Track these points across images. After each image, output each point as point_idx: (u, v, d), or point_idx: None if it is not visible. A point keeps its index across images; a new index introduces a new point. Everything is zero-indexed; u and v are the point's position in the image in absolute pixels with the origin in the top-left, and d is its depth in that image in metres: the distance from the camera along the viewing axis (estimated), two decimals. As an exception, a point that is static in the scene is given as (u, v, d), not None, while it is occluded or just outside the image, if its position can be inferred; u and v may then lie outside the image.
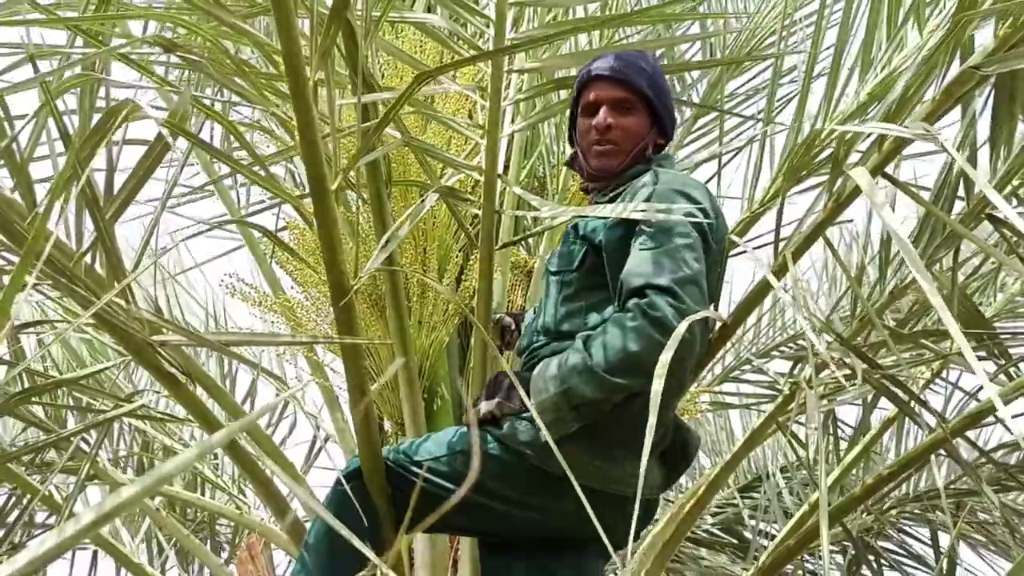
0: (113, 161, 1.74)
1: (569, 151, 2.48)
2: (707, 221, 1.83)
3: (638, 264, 1.75)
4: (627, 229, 1.84)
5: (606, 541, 1.29)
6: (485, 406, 1.88)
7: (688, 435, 2.05)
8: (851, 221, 2.56)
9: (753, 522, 3.97)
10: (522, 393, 1.59)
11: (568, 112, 2.14)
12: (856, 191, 1.85)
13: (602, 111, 1.99)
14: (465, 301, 2.89)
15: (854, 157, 2.00)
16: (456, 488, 1.87)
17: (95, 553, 3.64)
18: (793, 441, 2.88)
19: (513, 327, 2.52)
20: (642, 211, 1.78)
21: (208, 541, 4.00)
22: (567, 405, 1.75)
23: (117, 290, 1.40)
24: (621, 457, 1.85)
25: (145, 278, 2.80)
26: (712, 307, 1.96)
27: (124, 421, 3.73)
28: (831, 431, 3.54)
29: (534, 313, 2.22)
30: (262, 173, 1.66)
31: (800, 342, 4.22)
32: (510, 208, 2.70)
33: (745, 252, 2.09)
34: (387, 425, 3.01)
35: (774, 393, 4.22)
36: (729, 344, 4.25)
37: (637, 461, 1.88)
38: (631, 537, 2.03)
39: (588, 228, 1.95)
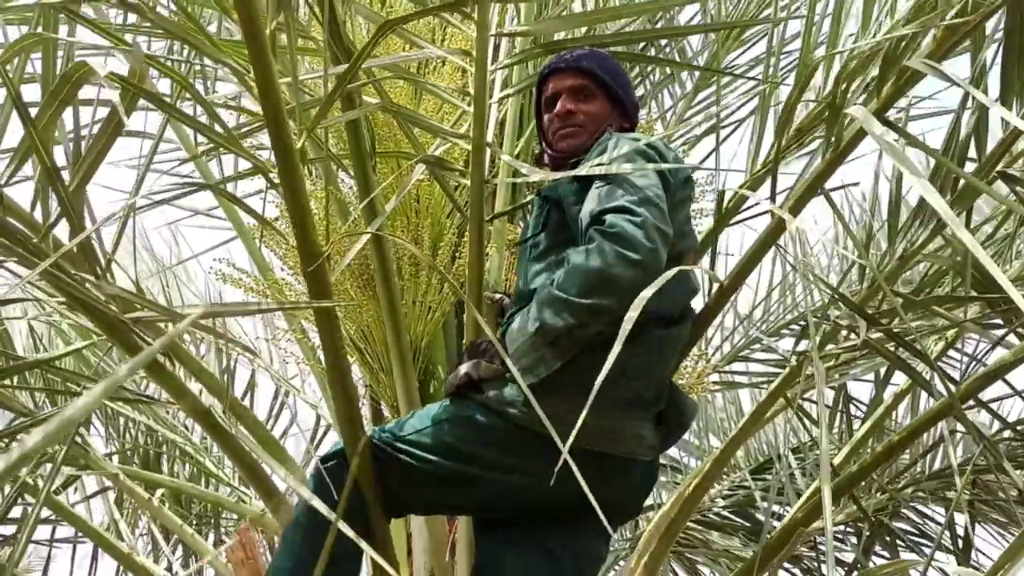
0: (79, 128, 1.66)
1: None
2: (654, 148, 1.85)
3: (592, 200, 1.78)
4: (584, 184, 1.86)
5: (597, 508, 1.22)
6: (464, 368, 1.83)
7: (683, 399, 2.00)
8: (857, 184, 2.44)
9: (765, 504, 3.87)
10: (500, 349, 1.52)
11: (533, 117, 2.21)
12: (858, 138, 1.76)
13: (561, 100, 2.06)
14: (459, 279, 2.80)
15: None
16: (444, 460, 1.80)
17: (95, 549, 3.58)
18: (801, 416, 2.79)
19: (501, 302, 2.45)
20: (618, 165, 1.80)
21: (211, 536, 3.94)
22: (543, 342, 1.72)
23: (65, 250, 1.32)
24: (610, 410, 1.78)
25: (125, 260, 2.73)
26: (693, 255, 1.92)
27: (129, 415, 3.67)
28: (842, 407, 3.44)
29: None
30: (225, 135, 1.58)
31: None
32: (498, 180, 2.61)
33: (750, 208, 2.00)
34: (384, 408, 2.94)
35: (781, 372, 4.14)
36: (737, 322, 4.15)
37: (628, 416, 1.82)
38: (634, 507, 1.96)
39: (553, 191, 1.99)
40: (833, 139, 1.82)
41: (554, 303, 1.70)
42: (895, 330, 2.54)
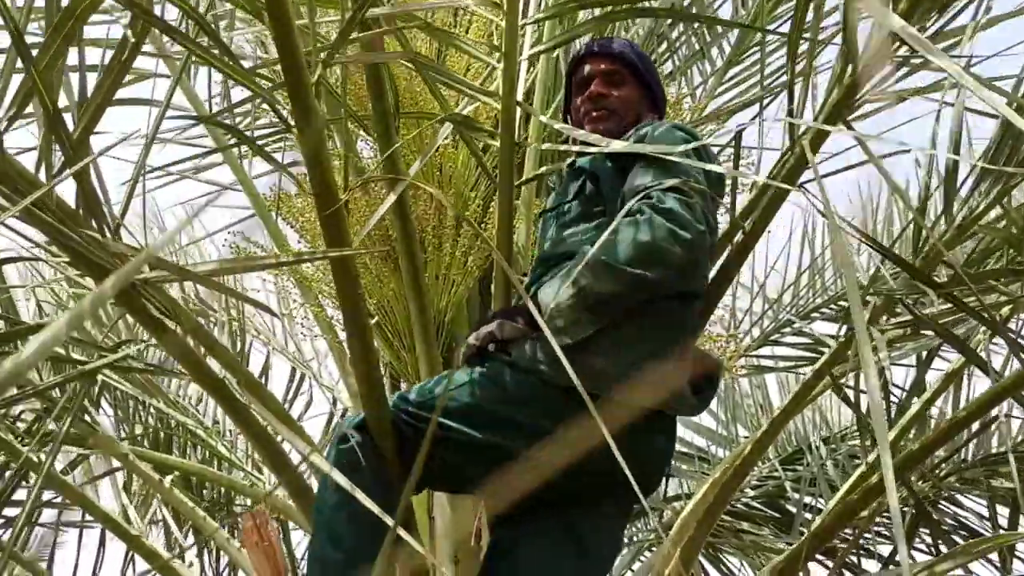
0: (84, 71, 1.54)
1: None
2: (699, 144, 1.81)
3: (642, 175, 1.78)
4: (624, 162, 1.85)
5: (626, 471, 1.17)
6: (487, 327, 1.77)
7: (709, 358, 1.93)
8: (907, 151, 2.29)
9: (796, 495, 3.73)
10: (533, 308, 1.43)
11: (563, 96, 2.17)
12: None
13: (594, 84, 2.05)
14: (485, 251, 2.68)
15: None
16: (471, 428, 1.68)
17: (103, 532, 3.47)
18: (843, 400, 2.65)
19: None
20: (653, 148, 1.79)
21: (225, 522, 3.82)
22: (581, 305, 1.68)
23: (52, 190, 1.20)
24: (642, 362, 1.70)
25: (135, 225, 2.62)
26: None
27: (139, 397, 3.56)
28: (882, 392, 3.29)
29: None
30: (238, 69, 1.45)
31: (842, 303, 3.97)
32: (533, 143, 2.47)
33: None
34: (404, 387, 2.82)
35: (814, 356, 3.99)
36: (767, 306, 4.01)
37: (660, 369, 1.71)
38: (657, 477, 1.87)
39: (585, 162, 1.97)
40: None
41: (598, 268, 1.67)
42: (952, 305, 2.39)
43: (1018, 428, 3.46)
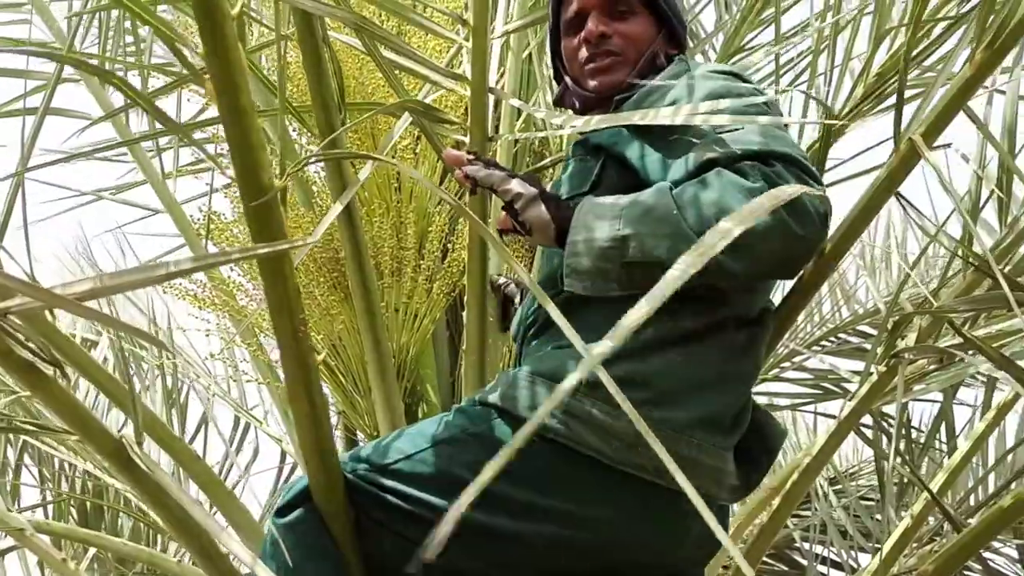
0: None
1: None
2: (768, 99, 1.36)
3: (741, 134, 1.26)
4: (649, 132, 1.35)
5: None
6: (509, 180, 1.34)
7: (765, 416, 1.47)
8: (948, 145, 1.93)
9: (807, 544, 3.34)
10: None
11: (548, 42, 1.66)
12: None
13: (590, 19, 1.54)
14: (454, 278, 2.28)
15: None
16: (444, 499, 1.25)
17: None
18: (872, 435, 2.27)
19: (518, 297, 1.93)
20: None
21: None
22: (618, 255, 1.23)
23: None
24: (683, 430, 1.26)
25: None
26: None
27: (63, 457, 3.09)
28: (903, 430, 2.92)
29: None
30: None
31: (843, 335, 3.63)
32: (508, 136, 2.09)
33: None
34: (361, 440, 2.40)
35: (816, 393, 3.63)
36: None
37: (705, 441, 1.31)
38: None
39: (603, 138, 1.45)
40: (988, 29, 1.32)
41: (666, 222, 1.21)
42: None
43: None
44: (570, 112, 1.62)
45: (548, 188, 1.40)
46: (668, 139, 1.32)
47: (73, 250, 3.56)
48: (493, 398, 1.30)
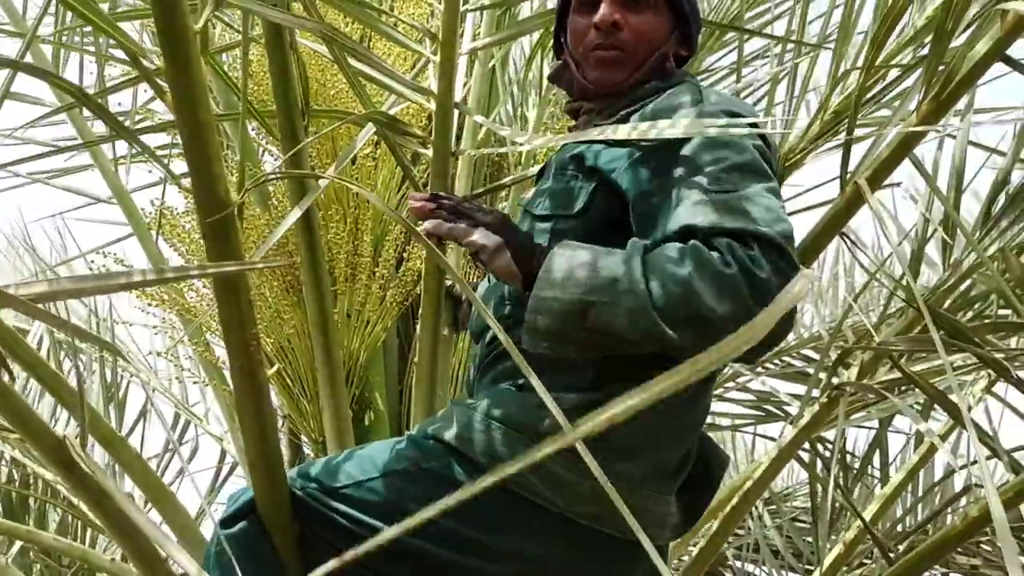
0: None
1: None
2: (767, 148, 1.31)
3: (736, 201, 1.20)
4: (665, 166, 1.27)
5: None
6: (472, 230, 1.30)
7: (709, 446, 1.48)
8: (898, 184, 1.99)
9: (739, 563, 3.40)
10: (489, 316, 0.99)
11: (556, 9, 1.56)
12: (977, 72, 1.30)
13: (605, 4, 1.43)
14: (408, 287, 2.28)
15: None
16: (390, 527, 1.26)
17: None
18: (809, 459, 2.32)
19: (464, 300, 1.93)
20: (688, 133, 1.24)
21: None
22: (578, 321, 1.19)
23: None
24: (642, 479, 1.28)
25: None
26: None
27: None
28: (839, 455, 2.99)
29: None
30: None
31: (787, 358, 3.69)
32: (471, 151, 2.09)
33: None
34: (306, 445, 2.38)
35: (757, 415, 3.69)
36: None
37: (652, 488, 1.33)
38: None
39: (601, 160, 1.36)
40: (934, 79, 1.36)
41: (628, 296, 1.17)
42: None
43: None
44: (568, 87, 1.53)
45: (519, 210, 1.39)
46: (665, 179, 1.26)
47: (10, 235, 3.46)
48: (448, 436, 1.30)
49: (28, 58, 2.62)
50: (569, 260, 1.22)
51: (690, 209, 1.20)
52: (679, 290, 1.14)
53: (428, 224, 1.33)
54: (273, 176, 1.35)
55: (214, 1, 1.04)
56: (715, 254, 1.15)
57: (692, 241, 1.18)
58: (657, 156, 1.28)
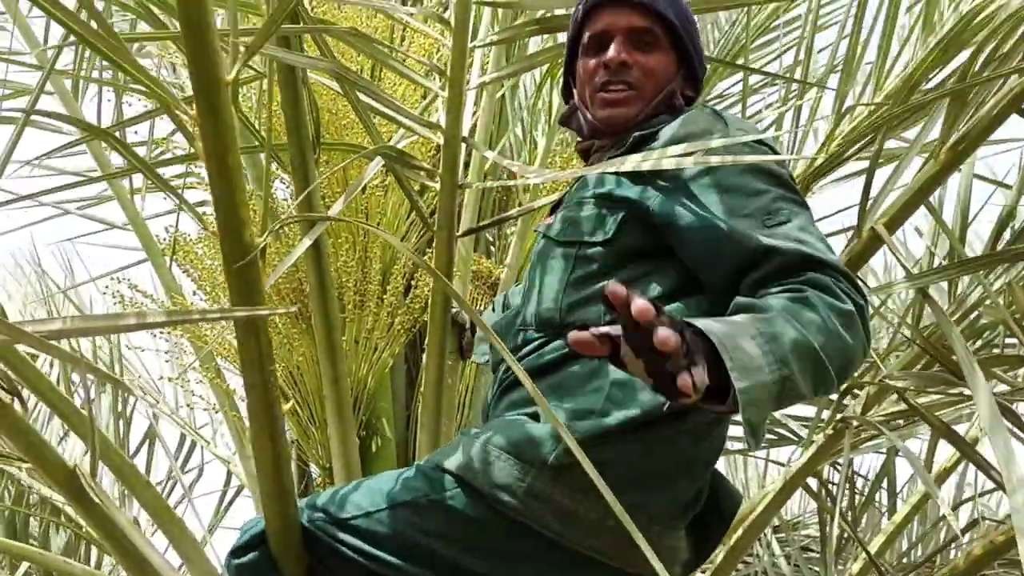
0: None
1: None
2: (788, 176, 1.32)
3: (784, 234, 1.22)
4: (692, 198, 1.28)
5: None
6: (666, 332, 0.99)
7: (722, 482, 1.47)
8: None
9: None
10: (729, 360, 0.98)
11: (565, 53, 1.57)
12: (993, 125, 1.32)
13: (614, 44, 1.45)
14: (415, 314, 2.30)
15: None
16: (403, 563, 1.27)
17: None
18: (818, 488, 2.32)
19: (471, 324, 1.94)
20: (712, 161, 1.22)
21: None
22: (775, 395, 1.07)
23: None
24: (644, 509, 1.28)
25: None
26: None
27: None
28: (847, 485, 2.98)
29: (506, 303, 1.66)
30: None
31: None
32: (477, 184, 2.12)
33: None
34: (314, 471, 2.39)
35: (771, 437, 3.68)
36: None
37: (665, 524, 1.34)
38: None
39: (628, 190, 1.35)
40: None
41: (809, 361, 1.11)
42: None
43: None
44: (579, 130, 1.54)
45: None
46: (715, 207, 1.26)
47: (21, 258, 3.49)
48: (456, 467, 1.30)
49: (48, 85, 2.66)
50: (743, 340, 1.07)
51: (761, 233, 1.21)
52: (822, 338, 1.12)
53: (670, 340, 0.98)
54: (291, 220, 1.36)
55: (245, 52, 1.07)
56: (847, 304, 1.16)
57: (808, 274, 1.18)
58: (684, 184, 1.29)
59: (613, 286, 0.98)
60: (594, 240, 1.35)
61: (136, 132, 2.71)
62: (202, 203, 2.93)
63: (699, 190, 1.28)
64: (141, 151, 2.75)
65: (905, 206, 1.45)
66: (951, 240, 1.70)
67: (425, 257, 2.34)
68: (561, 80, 1.63)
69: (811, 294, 1.16)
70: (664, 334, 0.95)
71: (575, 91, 1.53)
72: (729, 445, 3.66)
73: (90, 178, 2.02)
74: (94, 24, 1.10)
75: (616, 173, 1.35)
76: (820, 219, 2.41)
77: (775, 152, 1.33)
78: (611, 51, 1.44)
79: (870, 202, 1.52)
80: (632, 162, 1.26)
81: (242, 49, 1.09)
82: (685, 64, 1.49)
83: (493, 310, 1.84)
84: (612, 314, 0.99)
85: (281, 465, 1.34)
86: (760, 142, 1.32)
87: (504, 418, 1.34)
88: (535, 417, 1.31)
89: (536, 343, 1.36)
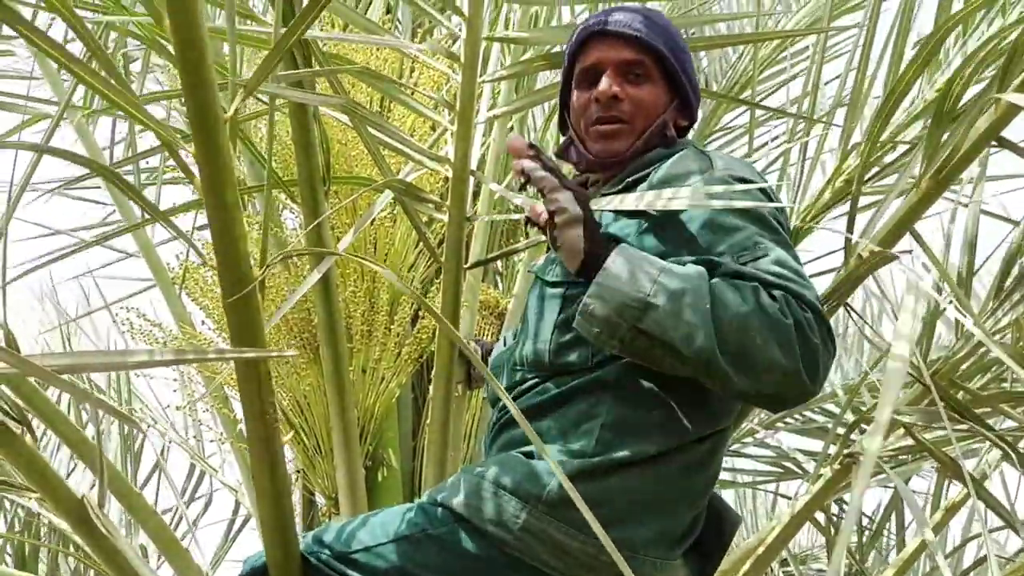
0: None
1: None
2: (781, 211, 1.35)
3: (788, 272, 1.25)
4: (684, 234, 1.31)
5: None
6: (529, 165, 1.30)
7: (722, 506, 1.49)
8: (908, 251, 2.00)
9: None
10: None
11: (560, 86, 1.59)
12: (973, 153, 1.33)
13: (605, 78, 1.47)
14: (423, 344, 2.31)
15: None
16: None
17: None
18: (825, 522, 2.31)
19: (482, 355, 1.95)
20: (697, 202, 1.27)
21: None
22: (635, 318, 1.20)
23: None
24: (644, 545, 1.28)
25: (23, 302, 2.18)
26: None
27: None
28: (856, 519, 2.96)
29: (510, 341, 1.66)
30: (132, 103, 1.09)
31: (808, 412, 3.68)
32: (485, 216, 2.13)
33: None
34: (319, 501, 2.39)
35: (776, 471, 3.66)
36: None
37: (661, 554, 1.34)
38: None
39: (612, 228, 1.39)
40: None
41: (690, 311, 1.19)
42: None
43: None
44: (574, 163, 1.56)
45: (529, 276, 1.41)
46: (687, 247, 1.29)
47: (37, 290, 3.52)
48: (455, 503, 1.31)
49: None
50: (641, 258, 1.24)
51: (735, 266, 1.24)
52: (736, 322, 1.17)
53: (526, 163, 1.30)
54: (295, 252, 1.38)
55: (244, 90, 1.09)
56: (773, 301, 1.19)
57: (755, 283, 1.21)
58: (674, 223, 1.31)
59: (510, 141, 1.29)
60: (580, 280, 1.32)
61: (147, 162, 2.75)
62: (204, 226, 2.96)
63: (682, 228, 1.31)
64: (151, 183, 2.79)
65: (890, 232, 1.46)
66: (940, 271, 1.69)
67: (434, 287, 2.36)
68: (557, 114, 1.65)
69: (751, 286, 1.20)
70: (522, 164, 1.29)
71: (571, 124, 1.55)
72: (737, 478, 3.68)
73: (105, 234, 2.03)
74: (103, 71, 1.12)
75: (616, 211, 1.37)
76: (828, 253, 2.43)
77: (766, 192, 1.33)
78: (602, 84, 1.46)
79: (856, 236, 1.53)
80: (629, 201, 1.30)
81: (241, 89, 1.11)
82: (678, 94, 1.51)
83: (505, 344, 1.85)
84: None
85: (280, 494, 1.35)
86: (748, 180, 1.33)
87: (501, 455, 1.36)
88: (530, 456, 1.33)
89: (531, 382, 1.39)
